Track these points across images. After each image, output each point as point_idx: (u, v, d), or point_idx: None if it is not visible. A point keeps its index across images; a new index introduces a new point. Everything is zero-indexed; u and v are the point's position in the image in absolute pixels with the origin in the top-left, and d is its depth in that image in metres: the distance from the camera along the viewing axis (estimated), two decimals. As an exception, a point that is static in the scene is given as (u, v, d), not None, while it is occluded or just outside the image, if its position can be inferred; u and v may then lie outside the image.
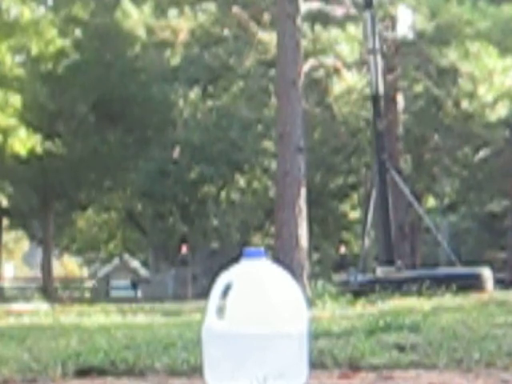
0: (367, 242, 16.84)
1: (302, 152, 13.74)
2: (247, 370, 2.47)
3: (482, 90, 21.00)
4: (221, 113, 29.09)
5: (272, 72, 22.49)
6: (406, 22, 21.75)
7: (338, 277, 16.00)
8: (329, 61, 21.73)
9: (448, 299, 9.32)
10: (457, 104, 22.94)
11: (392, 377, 2.79)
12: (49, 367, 3.06)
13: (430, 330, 4.19)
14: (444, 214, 35.77)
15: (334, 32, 21.75)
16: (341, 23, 21.56)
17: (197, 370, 2.93)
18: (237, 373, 2.48)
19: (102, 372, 3.11)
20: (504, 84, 20.64)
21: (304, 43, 16.07)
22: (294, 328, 2.54)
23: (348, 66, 22.12)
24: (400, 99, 24.16)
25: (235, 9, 21.38)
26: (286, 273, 2.61)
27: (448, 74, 22.29)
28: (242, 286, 2.53)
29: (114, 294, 39.89)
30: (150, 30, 23.79)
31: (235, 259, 2.65)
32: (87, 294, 40.35)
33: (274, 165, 25.05)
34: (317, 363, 3.01)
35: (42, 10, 27.93)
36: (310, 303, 9.15)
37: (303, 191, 13.63)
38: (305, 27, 18.77)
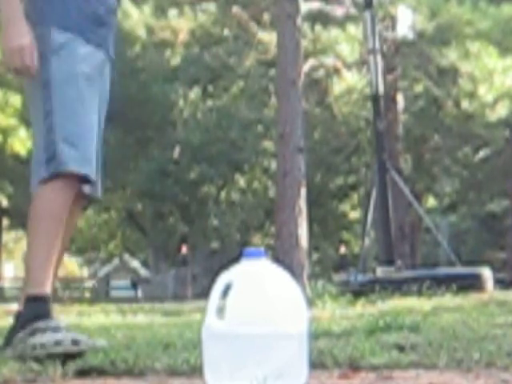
0: (367, 241, 16.82)
1: (301, 152, 13.75)
2: (247, 370, 2.47)
3: (482, 90, 21.01)
4: (221, 113, 29.06)
5: (272, 72, 22.48)
6: (406, 22, 21.74)
7: (338, 277, 15.95)
8: (329, 61, 21.76)
9: (448, 299, 9.32)
10: (457, 104, 22.95)
11: (392, 377, 2.80)
12: (49, 367, 3.05)
13: (429, 330, 4.20)
14: (444, 213, 35.78)
15: (334, 32, 21.78)
16: (341, 23, 21.58)
17: (197, 370, 2.93)
18: (237, 373, 2.48)
19: (102, 372, 3.11)
20: (504, 84, 20.66)
21: (304, 43, 16.07)
22: (293, 328, 2.54)
23: (348, 66, 22.15)
24: (400, 99, 24.16)
25: (235, 9, 21.39)
26: (285, 273, 2.61)
27: (448, 74, 22.30)
28: (242, 286, 2.53)
29: (114, 294, 39.89)
30: (150, 30, 23.83)
31: (235, 259, 2.65)
32: (87, 294, 40.34)
33: (273, 165, 25.06)
34: (317, 363, 3.01)
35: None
36: (310, 303, 9.15)
37: (303, 191, 13.64)
38: (305, 27, 18.79)
